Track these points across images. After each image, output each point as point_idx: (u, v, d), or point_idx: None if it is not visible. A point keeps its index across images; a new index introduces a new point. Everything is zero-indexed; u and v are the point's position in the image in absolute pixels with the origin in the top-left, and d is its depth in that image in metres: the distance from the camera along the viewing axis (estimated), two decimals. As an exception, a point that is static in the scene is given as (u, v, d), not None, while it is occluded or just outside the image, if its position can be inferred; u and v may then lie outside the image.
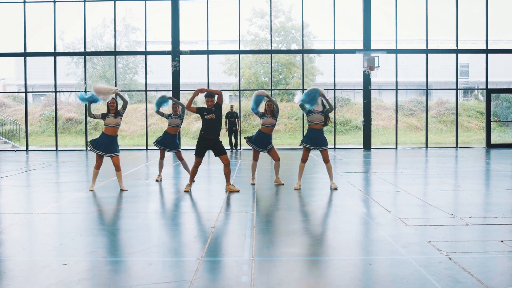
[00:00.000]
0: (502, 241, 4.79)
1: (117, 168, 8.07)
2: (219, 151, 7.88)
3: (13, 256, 4.48)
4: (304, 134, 8.30)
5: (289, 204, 6.97)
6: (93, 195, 7.71)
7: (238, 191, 7.86)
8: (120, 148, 8.53)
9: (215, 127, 7.79)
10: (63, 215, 6.36)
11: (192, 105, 7.95)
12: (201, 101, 26.61)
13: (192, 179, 8.05)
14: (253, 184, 8.70)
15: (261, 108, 8.62)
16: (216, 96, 7.78)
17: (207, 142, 7.82)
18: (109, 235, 5.27)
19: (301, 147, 8.24)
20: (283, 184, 8.59)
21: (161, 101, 9.04)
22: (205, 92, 7.78)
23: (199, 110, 7.83)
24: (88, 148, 8.78)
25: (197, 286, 3.63)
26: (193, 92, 7.86)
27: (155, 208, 6.93)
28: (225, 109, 22.48)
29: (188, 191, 7.89)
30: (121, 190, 8.09)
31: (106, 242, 4.98)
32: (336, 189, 8.05)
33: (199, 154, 7.85)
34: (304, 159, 8.17)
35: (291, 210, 6.60)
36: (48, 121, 25.17)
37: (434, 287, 3.57)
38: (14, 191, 8.48)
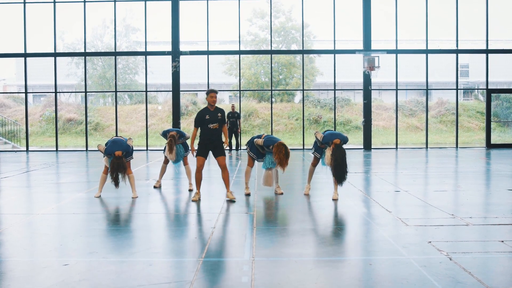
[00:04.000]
0: (502, 241, 4.79)
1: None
2: (218, 152, 7.35)
3: (13, 257, 4.49)
4: (315, 142, 7.90)
5: (289, 205, 6.97)
6: (93, 196, 7.70)
7: (234, 200, 7.23)
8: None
9: (216, 136, 7.36)
10: (63, 216, 6.36)
11: (194, 129, 7.46)
12: (201, 101, 26.61)
13: (199, 187, 7.38)
14: (248, 194, 7.75)
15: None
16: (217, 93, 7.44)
17: (209, 144, 7.34)
18: (109, 236, 5.27)
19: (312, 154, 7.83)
20: (282, 193, 7.83)
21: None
22: (209, 89, 7.42)
23: (200, 119, 7.28)
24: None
25: (197, 287, 3.63)
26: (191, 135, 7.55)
27: (155, 209, 6.93)
28: (227, 109, 22.44)
29: (197, 200, 7.28)
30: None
31: (107, 243, 4.98)
32: (336, 200, 7.29)
33: (201, 153, 7.32)
34: (314, 163, 7.83)
35: (291, 210, 6.60)
36: (48, 121, 25.16)
37: (434, 287, 3.57)
38: (14, 191, 8.48)
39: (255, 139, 7.66)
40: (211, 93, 7.34)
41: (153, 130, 23.78)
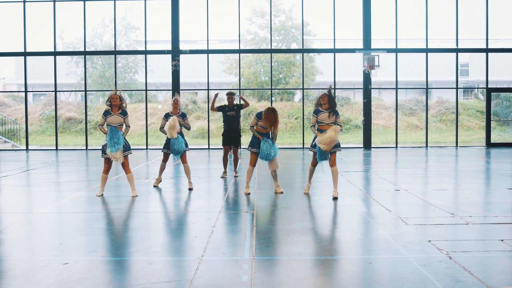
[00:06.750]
0: (502, 240, 4.79)
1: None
2: (235, 144, 9.69)
3: (13, 256, 4.49)
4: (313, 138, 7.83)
5: (289, 204, 6.97)
6: (93, 195, 7.70)
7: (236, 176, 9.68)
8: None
9: (235, 122, 9.60)
10: (63, 215, 6.36)
11: (215, 106, 9.68)
12: (201, 100, 26.58)
13: (225, 167, 9.67)
14: (248, 193, 7.74)
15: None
16: (240, 101, 9.85)
17: (230, 135, 9.56)
18: (109, 235, 5.27)
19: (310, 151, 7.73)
20: (282, 192, 7.78)
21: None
22: (227, 91, 9.62)
23: (221, 108, 9.62)
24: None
25: (197, 286, 3.63)
26: (213, 96, 9.93)
27: (155, 208, 6.94)
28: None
29: (225, 177, 9.55)
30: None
31: (106, 242, 4.98)
32: (336, 198, 7.22)
33: (226, 143, 9.62)
34: (313, 163, 7.70)
35: (291, 209, 6.60)
36: (48, 120, 25.15)
37: (434, 286, 3.57)
38: (14, 190, 8.47)
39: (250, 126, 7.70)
40: (228, 96, 9.60)
41: (153, 129, 23.76)
